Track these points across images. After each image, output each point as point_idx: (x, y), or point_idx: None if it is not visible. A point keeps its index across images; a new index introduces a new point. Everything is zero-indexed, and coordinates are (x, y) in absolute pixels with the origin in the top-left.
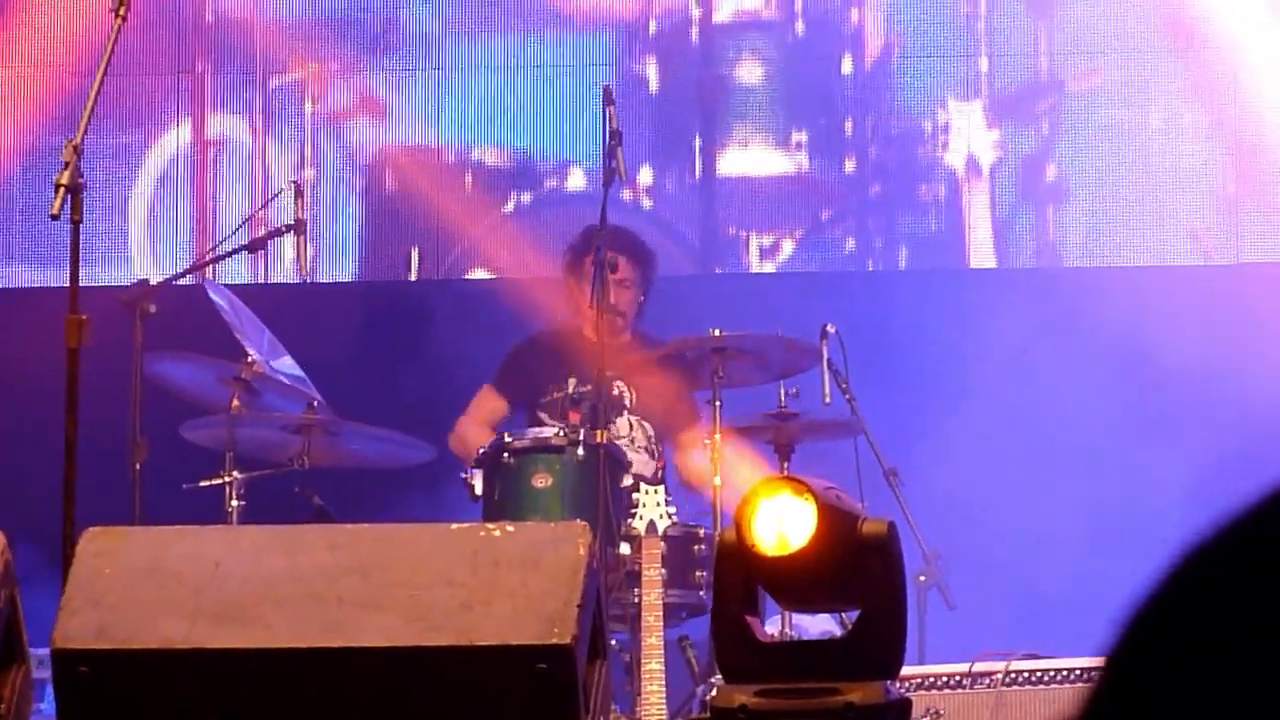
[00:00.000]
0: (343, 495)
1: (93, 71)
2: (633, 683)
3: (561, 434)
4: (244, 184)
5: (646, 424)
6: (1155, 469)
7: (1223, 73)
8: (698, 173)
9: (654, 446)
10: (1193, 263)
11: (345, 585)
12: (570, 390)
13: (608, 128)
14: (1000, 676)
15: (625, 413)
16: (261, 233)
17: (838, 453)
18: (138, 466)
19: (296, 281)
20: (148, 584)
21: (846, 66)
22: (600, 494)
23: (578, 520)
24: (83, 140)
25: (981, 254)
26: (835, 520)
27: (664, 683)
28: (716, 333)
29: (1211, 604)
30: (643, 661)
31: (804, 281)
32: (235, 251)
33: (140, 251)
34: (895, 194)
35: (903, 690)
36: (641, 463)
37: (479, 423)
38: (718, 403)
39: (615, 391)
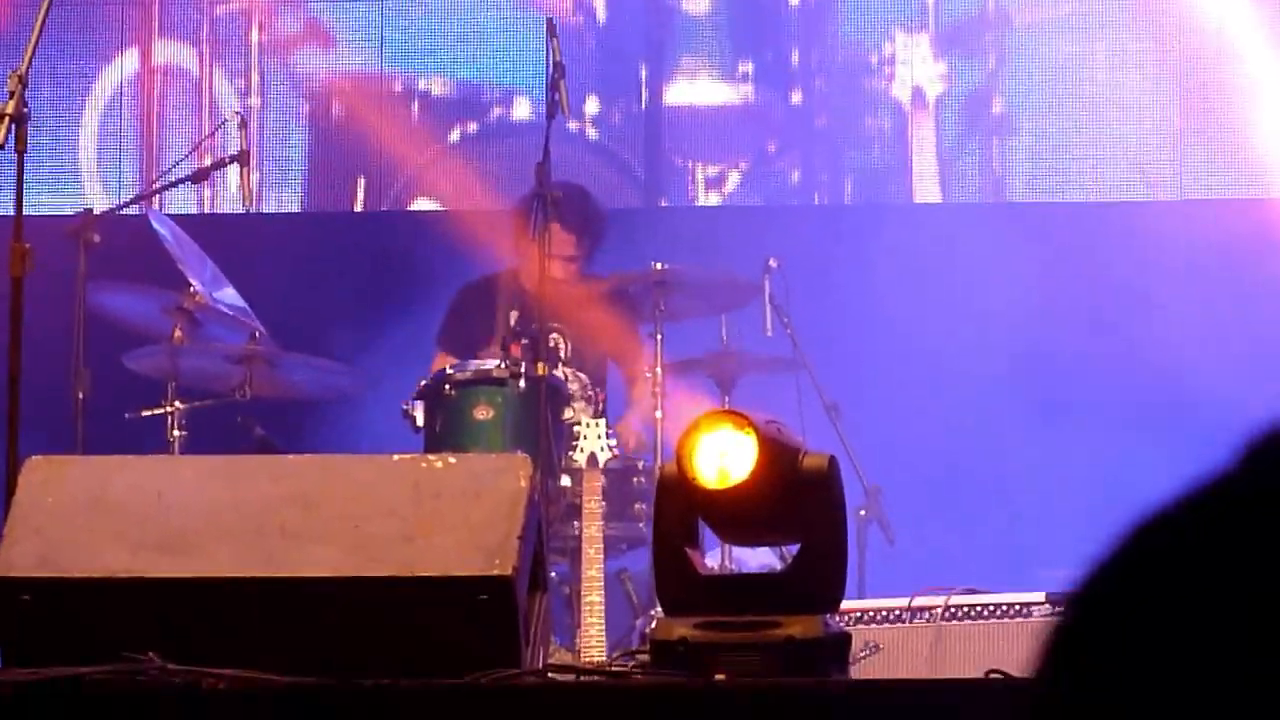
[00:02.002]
0: (285, 426)
1: (37, 1)
2: (572, 615)
3: (503, 366)
4: (190, 112)
5: (582, 374)
6: (1099, 408)
7: (1169, 5)
8: (644, 103)
9: (590, 392)
10: (1137, 197)
11: (287, 516)
12: (512, 323)
13: (551, 60)
14: (939, 611)
15: (560, 364)
16: (207, 162)
17: (779, 387)
18: (80, 396)
19: (240, 212)
20: (90, 513)
21: None
22: (541, 426)
23: (518, 452)
24: (28, 70)
25: (926, 187)
26: (776, 454)
27: (604, 615)
28: (659, 266)
29: (1179, 560)
30: (583, 594)
31: (748, 215)
32: (180, 182)
33: (89, 179)
34: (841, 126)
35: (842, 624)
36: (580, 409)
37: None
38: (660, 336)
39: (550, 343)
